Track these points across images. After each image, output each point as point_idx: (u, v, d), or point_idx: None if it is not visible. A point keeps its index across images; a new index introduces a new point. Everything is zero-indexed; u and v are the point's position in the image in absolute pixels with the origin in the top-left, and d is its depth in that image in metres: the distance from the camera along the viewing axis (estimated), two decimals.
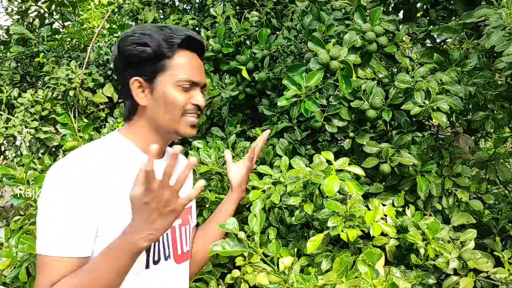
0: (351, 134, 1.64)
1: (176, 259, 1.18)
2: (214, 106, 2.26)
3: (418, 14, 2.49)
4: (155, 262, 1.10)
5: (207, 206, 1.81)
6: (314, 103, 1.52)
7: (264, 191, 1.65)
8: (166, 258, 1.13)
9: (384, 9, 2.44)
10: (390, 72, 1.77)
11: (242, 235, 1.02)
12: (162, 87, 1.11)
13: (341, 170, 1.51)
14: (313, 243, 1.35)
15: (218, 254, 1.15)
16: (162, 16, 2.47)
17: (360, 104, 1.58)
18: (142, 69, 1.11)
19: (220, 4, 2.35)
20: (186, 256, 1.25)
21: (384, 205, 1.64)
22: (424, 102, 1.49)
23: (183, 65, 1.12)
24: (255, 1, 2.41)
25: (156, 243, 1.11)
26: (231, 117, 2.29)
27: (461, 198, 1.55)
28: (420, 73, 1.58)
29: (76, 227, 0.96)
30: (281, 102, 1.57)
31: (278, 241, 1.14)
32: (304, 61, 1.68)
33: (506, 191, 1.65)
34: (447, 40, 2.06)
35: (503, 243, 1.67)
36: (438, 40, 1.84)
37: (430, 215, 1.58)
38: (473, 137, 2.28)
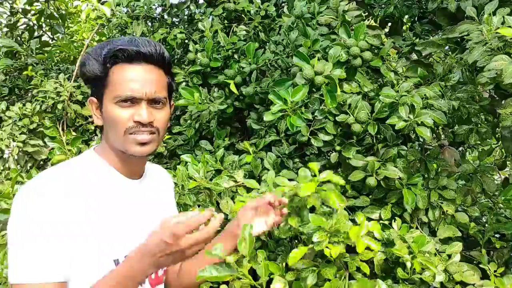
0: (338, 148, 1.65)
1: (151, 283, 1.17)
2: (203, 120, 2.26)
3: (405, 27, 2.52)
4: None
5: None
6: (300, 118, 1.53)
7: None
8: (140, 283, 1.11)
9: (370, 24, 2.48)
10: (376, 86, 1.79)
11: (230, 259, 1.01)
12: (105, 106, 1.06)
13: (325, 182, 1.51)
14: (296, 255, 1.35)
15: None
16: (150, 29, 2.48)
17: (346, 118, 1.60)
18: (93, 89, 1.10)
19: (208, 18, 2.37)
20: (161, 279, 1.23)
21: (370, 219, 1.65)
22: (408, 117, 1.51)
23: (119, 80, 1.04)
24: (243, 16, 2.43)
25: None
26: (219, 130, 2.30)
27: (447, 211, 1.57)
28: (404, 87, 1.60)
29: (49, 251, 0.93)
30: (267, 117, 1.58)
31: (267, 263, 1.14)
32: (291, 75, 1.69)
33: (491, 204, 1.66)
34: (432, 54, 2.09)
35: (490, 255, 1.68)
36: (423, 54, 1.86)
37: (417, 227, 1.59)
38: (460, 149, 2.31)
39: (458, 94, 1.58)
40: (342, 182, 1.48)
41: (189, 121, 2.41)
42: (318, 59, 1.71)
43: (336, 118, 1.61)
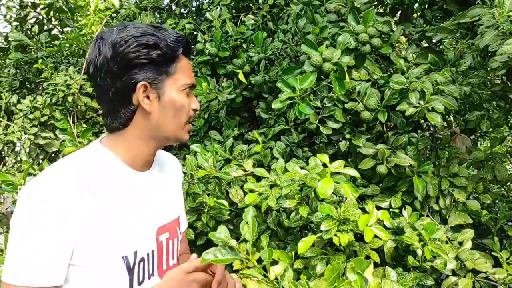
0: (348, 136, 1.63)
1: (161, 274, 1.16)
2: (212, 110, 2.26)
3: (415, 15, 2.48)
4: (140, 283, 1.07)
5: (206, 210, 1.82)
6: (308, 105, 1.52)
7: (260, 194, 1.65)
8: (149, 277, 1.10)
9: (379, 10, 2.45)
10: (386, 73, 1.77)
11: (233, 242, 1.01)
12: (169, 93, 1.03)
13: (337, 173, 1.51)
14: (304, 244, 1.35)
15: None
16: (159, 21, 2.48)
17: (355, 106, 1.58)
18: (147, 73, 1.01)
19: (217, 8, 2.36)
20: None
21: (380, 208, 1.64)
22: (419, 103, 1.49)
23: (185, 68, 1.06)
24: (251, 5, 2.41)
25: (141, 263, 1.09)
26: (228, 121, 2.30)
27: (458, 198, 1.55)
28: (414, 74, 1.58)
29: (48, 255, 0.90)
30: (276, 105, 1.57)
31: (271, 249, 1.14)
32: (300, 63, 1.68)
33: (504, 191, 1.64)
34: (443, 40, 2.06)
35: (502, 243, 1.66)
36: (434, 41, 1.83)
37: (427, 215, 1.58)
38: (472, 137, 2.28)
39: (470, 79, 1.56)
40: (356, 174, 1.47)
41: (198, 112, 2.41)
42: (327, 46, 1.69)
43: (345, 105, 1.60)
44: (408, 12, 2.37)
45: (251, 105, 2.46)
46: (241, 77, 2.13)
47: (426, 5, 2.32)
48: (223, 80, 2.26)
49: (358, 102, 1.59)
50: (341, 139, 1.71)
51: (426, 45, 2.15)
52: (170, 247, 1.19)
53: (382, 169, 1.55)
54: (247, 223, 1.23)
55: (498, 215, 1.59)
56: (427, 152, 1.69)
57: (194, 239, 1.82)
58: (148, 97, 1.02)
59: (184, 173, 1.84)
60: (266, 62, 2.15)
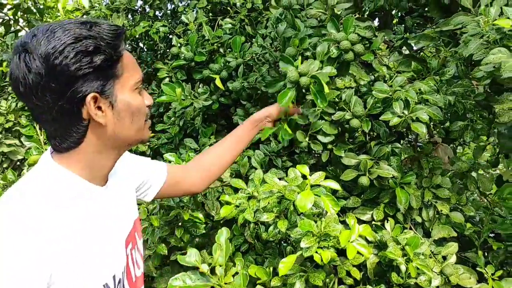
0: (329, 146, 1.57)
1: (132, 287, 1.07)
2: (187, 117, 2.17)
3: (394, 21, 2.46)
4: None
5: (180, 224, 1.72)
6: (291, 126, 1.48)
7: (237, 206, 1.57)
8: None
9: (360, 16, 2.39)
10: (368, 81, 1.72)
11: (204, 268, 0.92)
12: (122, 97, 0.92)
13: (317, 185, 1.44)
14: (285, 265, 1.27)
15: None
16: (132, 23, 2.37)
17: (342, 115, 1.53)
18: (94, 83, 0.88)
19: (193, 11, 2.28)
20: (140, 281, 1.13)
21: (362, 220, 1.58)
22: (403, 112, 1.44)
23: (131, 63, 0.95)
24: (229, 8, 2.33)
25: (119, 285, 1.00)
26: (205, 128, 2.21)
27: (441, 211, 1.50)
28: (398, 82, 1.53)
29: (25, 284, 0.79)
30: (262, 136, 1.56)
31: (246, 273, 1.06)
32: (282, 75, 1.61)
33: (487, 202, 1.60)
34: (423, 48, 2.02)
35: (485, 255, 1.62)
36: (415, 48, 1.79)
37: (410, 228, 1.52)
38: (451, 146, 2.25)
39: (454, 88, 1.52)
40: (337, 187, 1.41)
41: (172, 119, 2.31)
42: (307, 58, 1.64)
43: (333, 116, 1.54)
44: (387, 19, 2.34)
45: (229, 112, 2.37)
46: (218, 83, 2.04)
47: (406, 12, 2.30)
48: (199, 86, 2.17)
49: (346, 111, 1.53)
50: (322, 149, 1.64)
51: (407, 52, 2.12)
52: (134, 257, 1.12)
53: (364, 180, 1.49)
54: (220, 245, 1.15)
55: (482, 227, 1.54)
56: (409, 162, 1.64)
57: (168, 254, 1.72)
58: (100, 108, 0.90)
59: None
60: (245, 67, 2.08)
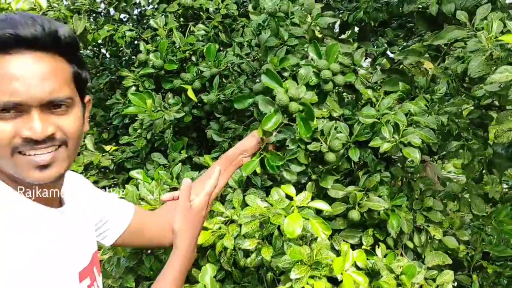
0: (314, 177, 1.46)
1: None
2: (156, 130, 1.99)
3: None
4: None
5: (150, 252, 1.54)
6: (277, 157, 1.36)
7: (214, 232, 1.42)
8: None
9: (339, 36, 2.30)
10: (351, 106, 1.62)
11: None
12: None
13: (303, 206, 1.31)
14: None
15: None
16: (94, 26, 2.18)
17: (318, 147, 1.41)
18: None
19: (162, 15, 2.11)
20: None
21: (351, 245, 1.47)
22: (393, 137, 1.34)
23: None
24: (201, 14, 2.19)
25: None
26: (175, 142, 2.04)
27: (434, 235, 1.41)
28: (385, 104, 1.43)
29: None
30: (245, 171, 1.41)
31: None
32: (253, 93, 1.49)
33: (479, 222, 1.52)
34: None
35: (476, 274, 1.54)
36: (405, 63, 1.71)
37: (402, 254, 1.42)
38: (430, 159, 2.19)
39: (447, 108, 1.44)
40: (327, 208, 1.29)
41: (139, 131, 2.13)
42: (285, 78, 1.53)
43: (308, 146, 1.42)
44: (366, 30, 2.27)
45: (201, 124, 2.22)
46: (190, 94, 1.88)
47: (383, 22, 2.24)
48: (169, 96, 2.00)
49: (321, 143, 1.42)
50: (307, 179, 1.52)
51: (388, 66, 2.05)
52: None
53: (355, 215, 1.38)
54: (204, 286, 1.01)
55: (475, 247, 1.47)
56: (399, 183, 1.55)
57: (135, 286, 1.54)
58: None
59: None
60: (220, 78, 1.93)
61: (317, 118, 1.52)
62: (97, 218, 1.09)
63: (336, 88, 1.76)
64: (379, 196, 1.43)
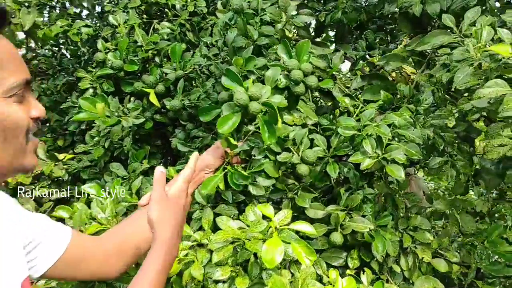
0: (290, 194, 1.31)
1: None
2: (113, 137, 1.79)
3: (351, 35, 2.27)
4: None
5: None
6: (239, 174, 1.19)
7: (180, 260, 1.24)
8: None
9: (314, 38, 2.17)
10: (329, 114, 1.49)
11: None
12: None
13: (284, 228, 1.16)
14: None
15: None
16: (45, 20, 1.95)
17: (289, 157, 1.26)
18: None
19: (123, 11, 1.91)
20: None
21: (331, 266, 1.33)
22: (375, 152, 1.21)
23: (5, 59, 0.71)
24: (167, 10, 2.00)
25: None
26: (136, 150, 1.84)
27: (422, 258, 1.29)
28: (367, 116, 1.30)
29: None
30: (205, 189, 1.22)
31: None
32: (219, 101, 1.32)
33: (470, 239, 1.40)
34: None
35: None
36: (387, 69, 1.58)
37: (388, 280, 1.29)
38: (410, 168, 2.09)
39: (433, 120, 1.32)
40: (311, 231, 1.14)
41: (96, 138, 1.92)
42: (253, 82, 1.38)
43: (278, 157, 1.27)
44: (344, 32, 2.14)
45: (166, 131, 2.03)
46: (152, 99, 1.70)
47: (361, 25, 2.12)
48: (129, 100, 1.80)
49: (293, 153, 1.27)
50: (282, 197, 1.37)
51: (367, 69, 1.93)
52: None
53: (337, 238, 1.24)
54: None
55: (469, 268, 1.35)
56: (382, 199, 1.42)
57: None
58: None
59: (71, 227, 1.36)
60: (186, 81, 1.75)
61: (288, 125, 1.37)
62: (26, 240, 0.89)
63: (311, 92, 1.62)
64: (363, 216, 1.30)
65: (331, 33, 2.31)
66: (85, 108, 1.58)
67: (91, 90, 1.92)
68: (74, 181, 2.09)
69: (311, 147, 1.37)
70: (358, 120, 1.35)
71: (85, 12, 1.94)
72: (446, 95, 1.39)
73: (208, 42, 1.67)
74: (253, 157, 1.25)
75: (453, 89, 1.26)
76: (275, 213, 1.18)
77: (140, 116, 1.76)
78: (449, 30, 1.35)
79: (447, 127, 1.33)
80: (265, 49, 1.58)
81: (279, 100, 1.18)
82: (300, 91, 1.29)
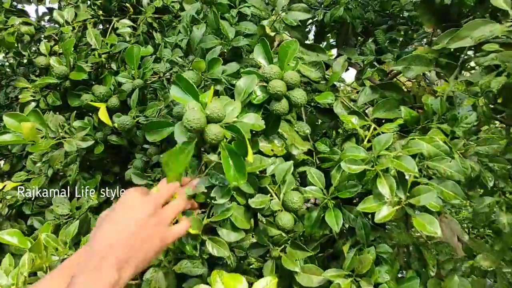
0: (274, 252, 0.92)
1: None
2: (54, 163, 1.40)
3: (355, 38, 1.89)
4: None
5: None
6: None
7: None
8: None
9: (303, 40, 1.78)
10: (331, 134, 1.11)
11: None
12: None
13: None
14: None
15: None
16: None
17: (265, 202, 0.88)
18: None
19: (72, 6, 1.53)
20: None
21: None
22: (396, 196, 0.82)
23: None
24: (129, 5, 1.62)
25: None
26: (85, 180, 1.46)
27: None
28: (382, 142, 0.91)
29: None
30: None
31: None
32: (174, 118, 0.95)
33: None
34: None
35: None
36: (409, 76, 1.18)
37: None
38: None
39: (478, 147, 0.92)
40: None
41: (38, 164, 1.54)
42: (217, 94, 1.00)
43: (250, 201, 0.88)
44: (347, 34, 1.76)
45: (129, 154, 1.65)
46: (102, 115, 1.31)
47: (372, 24, 1.74)
48: (75, 118, 1.42)
49: (272, 196, 0.89)
50: (264, 255, 0.98)
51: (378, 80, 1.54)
52: None
53: None
54: None
55: None
56: (403, 251, 1.02)
57: None
58: None
59: None
60: (146, 92, 1.38)
61: (266, 156, 0.98)
62: None
63: (297, 110, 1.24)
64: (377, 285, 0.90)
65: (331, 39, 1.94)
66: (9, 128, 1.20)
67: (33, 104, 1.54)
68: (16, 217, 1.71)
69: (304, 185, 0.98)
70: (370, 148, 0.96)
71: (7, 4, 1.55)
72: (489, 111, 0.99)
73: (173, 43, 1.29)
74: (213, 201, 0.86)
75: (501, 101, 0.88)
76: (252, 284, 0.79)
77: (88, 137, 1.37)
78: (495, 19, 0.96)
79: (497, 156, 0.94)
80: (246, 53, 1.20)
81: (252, 121, 0.80)
82: (281, 109, 0.91)
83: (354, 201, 1.08)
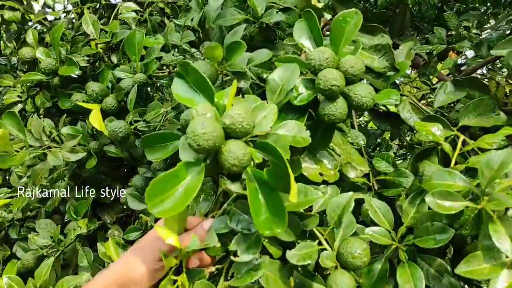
0: None
1: None
2: (37, 181, 1.12)
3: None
4: None
5: None
6: None
7: None
8: None
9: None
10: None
11: None
12: None
13: None
14: None
15: None
16: None
17: (312, 254, 0.56)
18: None
19: None
20: None
21: None
22: None
23: None
24: None
25: None
26: (77, 201, 1.17)
27: None
28: (493, 165, 0.58)
29: None
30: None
31: None
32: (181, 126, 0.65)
33: None
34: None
35: None
36: (507, 70, 0.84)
37: None
38: None
39: None
40: None
41: (24, 179, 1.26)
42: (241, 93, 0.71)
43: (288, 254, 0.57)
44: (404, 21, 1.43)
45: (134, 167, 1.36)
46: (94, 119, 1.02)
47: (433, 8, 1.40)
48: (65, 122, 1.14)
49: (321, 245, 0.58)
50: None
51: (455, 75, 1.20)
52: None
53: None
54: None
55: None
56: None
57: None
58: None
59: None
60: (151, 91, 1.08)
61: (314, 183, 0.65)
62: None
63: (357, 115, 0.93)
64: None
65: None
66: None
67: (19, 106, 1.27)
68: (2, 242, 1.44)
69: (365, 224, 0.65)
70: (468, 171, 0.63)
71: None
72: None
73: (181, 25, 0.99)
74: (234, 256, 0.54)
75: None
76: None
77: (79, 148, 1.08)
78: None
79: None
80: (279, 34, 0.90)
81: (293, 132, 0.49)
82: (336, 113, 0.59)
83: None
